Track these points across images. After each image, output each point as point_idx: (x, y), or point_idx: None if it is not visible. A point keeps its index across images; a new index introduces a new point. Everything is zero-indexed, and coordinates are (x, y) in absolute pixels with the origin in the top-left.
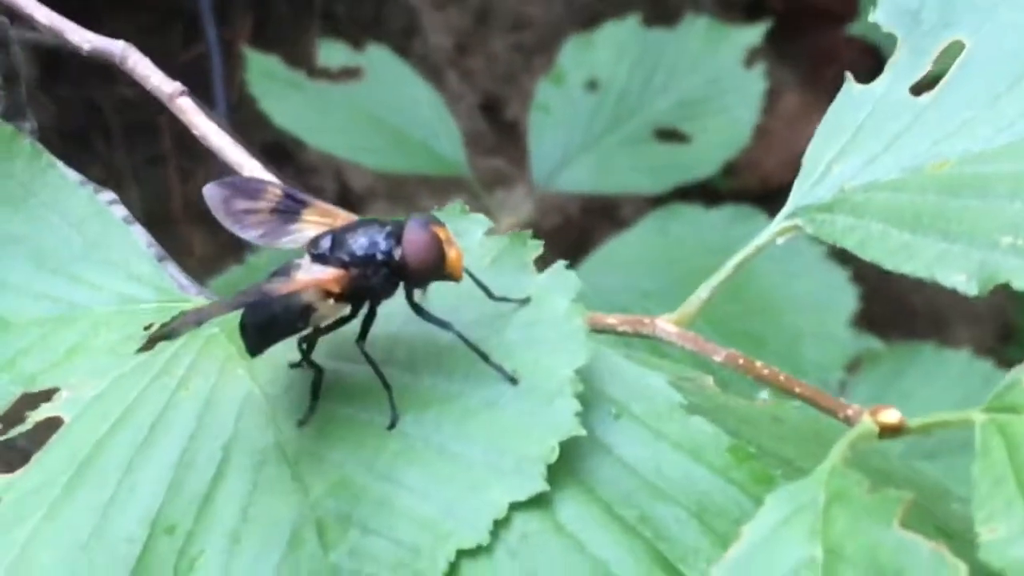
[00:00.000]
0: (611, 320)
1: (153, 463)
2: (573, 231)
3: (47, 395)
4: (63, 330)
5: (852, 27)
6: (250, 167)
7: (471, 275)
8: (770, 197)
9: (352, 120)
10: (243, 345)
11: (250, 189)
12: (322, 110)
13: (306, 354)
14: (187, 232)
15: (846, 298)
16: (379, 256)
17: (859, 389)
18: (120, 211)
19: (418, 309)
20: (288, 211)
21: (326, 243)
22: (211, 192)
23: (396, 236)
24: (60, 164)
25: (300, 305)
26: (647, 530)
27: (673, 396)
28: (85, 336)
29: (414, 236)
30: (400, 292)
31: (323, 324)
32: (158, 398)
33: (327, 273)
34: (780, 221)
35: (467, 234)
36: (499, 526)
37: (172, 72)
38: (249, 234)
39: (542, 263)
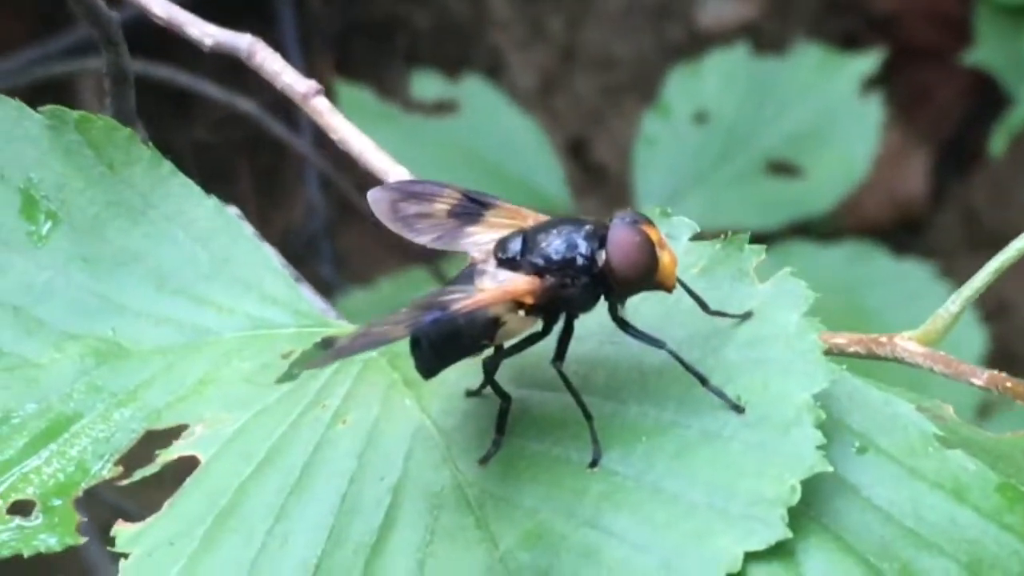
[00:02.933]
0: (839, 340)
1: (308, 509)
2: None
3: (176, 433)
4: (190, 359)
5: (966, 56)
6: (396, 173)
7: (683, 285)
8: (881, 237)
9: (446, 154)
10: (411, 368)
11: (422, 192)
12: (415, 143)
13: (493, 379)
14: None
15: (973, 337)
16: (580, 261)
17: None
18: (248, 229)
19: (624, 324)
20: (468, 213)
21: (516, 245)
22: (377, 196)
23: (600, 237)
24: (184, 176)
25: (486, 319)
26: None
27: (927, 427)
28: (215, 365)
29: (622, 237)
30: (598, 306)
31: (510, 342)
32: (310, 433)
33: (519, 281)
34: None
35: (670, 239)
36: None
37: (261, 108)
38: (421, 239)
39: None
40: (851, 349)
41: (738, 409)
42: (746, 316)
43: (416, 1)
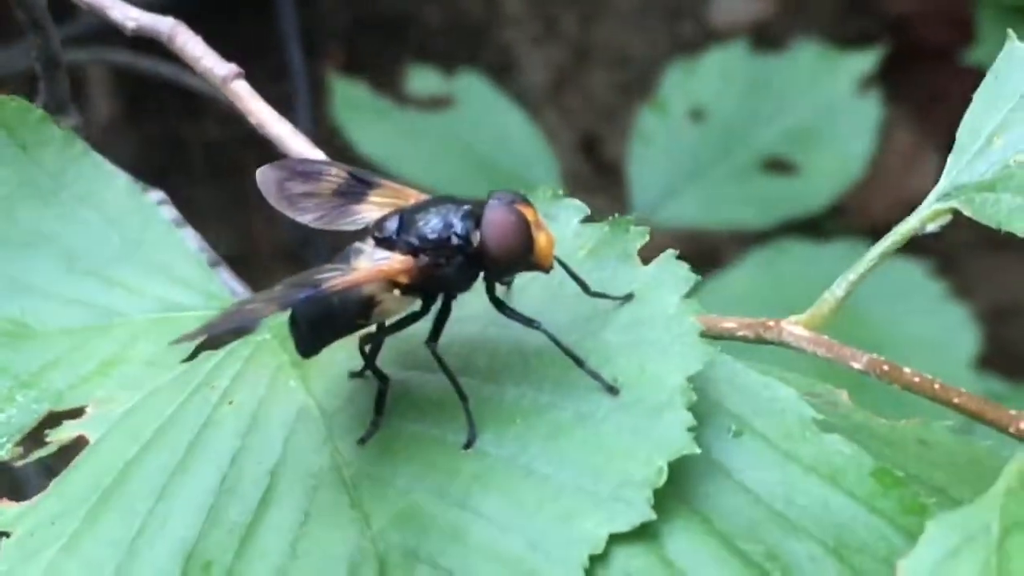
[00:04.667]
0: (728, 324)
1: (188, 489)
2: None
3: (76, 414)
4: (96, 340)
5: (968, 55)
6: (315, 157)
7: (564, 266)
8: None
9: (441, 149)
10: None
11: (309, 171)
12: (410, 139)
13: (369, 359)
14: (273, 274)
15: (966, 338)
16: (454, 240)
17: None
18: (170, 212)
19: (500, 305)
20: (352, 192)
21: (392, 225)
22: (265, 175)
23: (476, 217)
24: (98, 156)
25: (361, 298)
26: (776, 569)
27: (805, 411)
28: (122, 347)
29: (496, 217)
30: (479, 286)
31: (388, 321)
32: (197, 414)
33: (393, 260)
34: (932, 203)
35: (559, 221)
36: (595, 563)
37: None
38: (305, 218)
39: None
40: (740, 333)
41: (612, 391)
42: (627, 298)
43: None
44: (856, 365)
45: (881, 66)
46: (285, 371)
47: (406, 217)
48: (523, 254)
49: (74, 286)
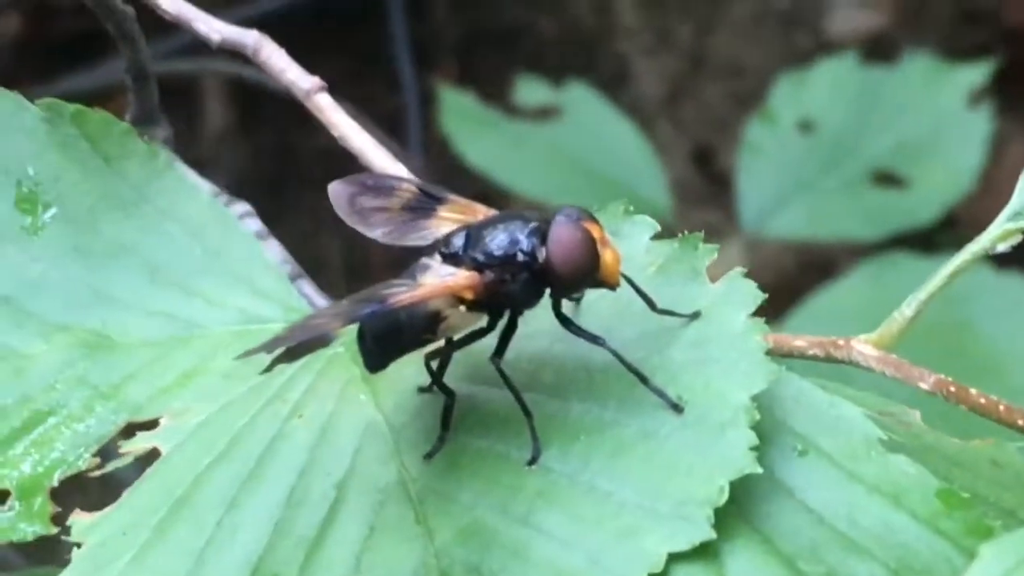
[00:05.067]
0: (799, 342)
1: (257, 501)
2: (789, 287)
3: (153, 425)
4: (177, 352)
5: None
6: (394, 171)
7: (631, 283)
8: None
9: (549, 160)
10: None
11: (380, 186)
12: (517, 149)
13: (436, 375)
14: None
15: None
16: (520, 257)
17: None
18: (254, 225)
19: (565, 321)
20: (422, 208)
21: (459, 240)
22: (337, 190)
23: (542, 234)
24: (181, 169)
25: (427, 313)
26: None
27: (871, 431)
28: (202, 359)
29: (562, 234)
30: (547, 302)
31: (455, 337)
32: (268, 427)
33: (458, 276)
34: (1003, 223)
35: (630, 238)
36: None
37: (375, 118)
38: (375, 232)
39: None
40: (811, 352)
41: (677, 408)
42: (694, 316)
43: (542, 9)
44: (923, 386)
45: (995, 78)
46: (355, 385)
47: (473, 233)
48: (589, 271)
49: (155, 298)
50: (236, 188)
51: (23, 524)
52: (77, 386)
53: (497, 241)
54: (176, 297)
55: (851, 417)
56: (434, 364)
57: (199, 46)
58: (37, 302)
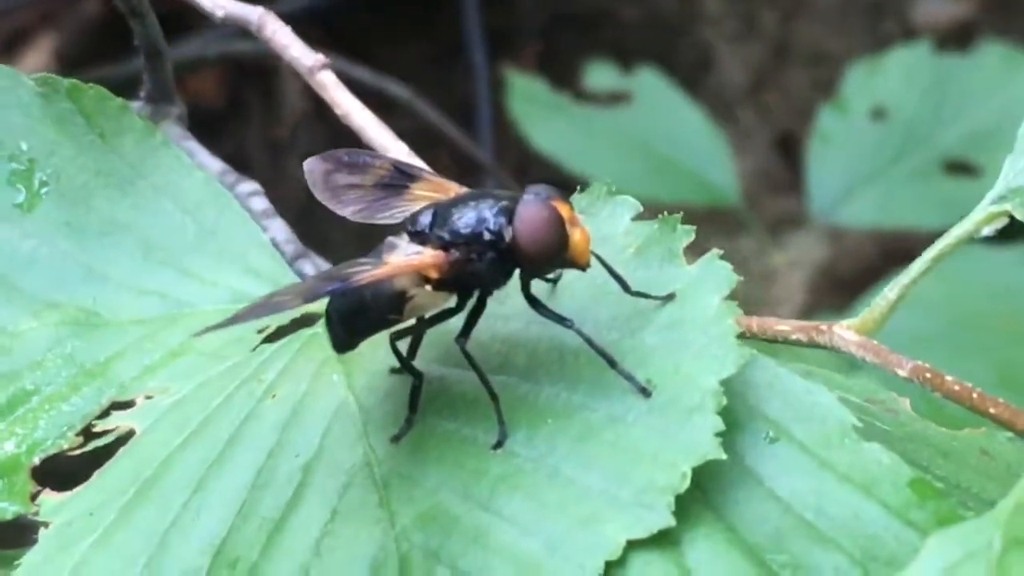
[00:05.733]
0: (783, 327)
1: (224, 483)
2: (871, 275)
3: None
4: (167, 331)
5: None
6: (396, 150)
7: (603, 263)
8: None
9: (617, 146)
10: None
11: (355, 163)
12: (585, 134)
13: (402, 357)
14: None
15: None
16: (487, 235)
17: None
18: (261, 203)
19: (534, 302)
20: (395, 185)
21: (426, 219)
22: (312, 166)
23: (510, 213)
24: (196, 145)
25: (392, 292)
26: None
27: (845, 418)
28: (190, 338)
29: (529, 213)
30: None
31: (422, 316)
32: (241, 407)
33: (424, 255)
34: (987, 206)
35: (613, 219)
36: (613, 568)
37: (451, 106)
38: (346, 210)
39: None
40: (794, 336)
41: (645, 392)
42: (668, 298)
43: None
44: (901, 372)
45: None
46: (330, 365)
47: (440, 211)
48: (557, 251)
49: (148, 276)
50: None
51: (3, 503)
52: (64, 364)
53: (464, 220)
54: (168, 275)
55: (826, 404)
56: (401, 345)
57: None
58: (28, 279)
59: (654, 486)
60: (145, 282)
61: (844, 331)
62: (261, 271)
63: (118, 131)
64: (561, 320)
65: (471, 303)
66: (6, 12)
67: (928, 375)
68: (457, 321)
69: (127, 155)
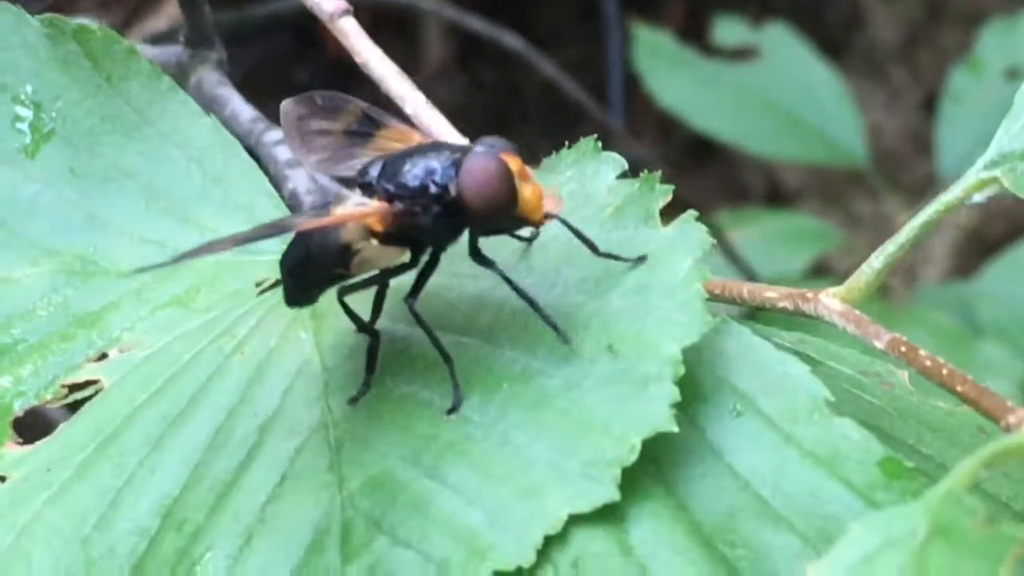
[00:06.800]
0: (770, 293)
1: (181, 442)
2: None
3: None
4: (163, 282)
5: None
6: (413, 100)
7: (566, 223)
8: None
9: (743, 102)
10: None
11: (330, 107)
12: (710, 89)
13: (352, 312)
14: None
15: None
16: (432, 188)
17: None
18: (285, 153)
19: (480, 259)
20: (361, 133)
21: (375, 171)
22: (287, 108)
23: (458, 166)
24: (232, 92)
25: (338, 245)
26: (742, 560)
27: (816, 391)
28: (186, 290)
29: (474, 165)
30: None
31: (370, 270)
32: (209, 363)
33: (366, 206)
34: (978, 171)
35: (597, 176)
36: (550, 544)
37: (587, 65)
38: (310, 159)
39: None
40: (781, 304)
41: (565, 340)
42: (639, 260)
43: None
44: (878, 344)
45: None
46: (301, 322)
47: (389, 163)
48: (504, 206)
49: (149, 225)
50: (452, 122)
51: None
52: (58, 312)
53: (411, 172)
54: (170, 225)
55: (796, 375)
56: (352, 303)
57: None
58: (28, 224)
59: (602, 458)
60: (146, 231)
61: (830, 299)
62: (266, 221)
63: (125, 75)
64: (487, 263)
65: (424, 259)
66: None
67: (903, 348)
68: (436, 280)
69: (134, 100)
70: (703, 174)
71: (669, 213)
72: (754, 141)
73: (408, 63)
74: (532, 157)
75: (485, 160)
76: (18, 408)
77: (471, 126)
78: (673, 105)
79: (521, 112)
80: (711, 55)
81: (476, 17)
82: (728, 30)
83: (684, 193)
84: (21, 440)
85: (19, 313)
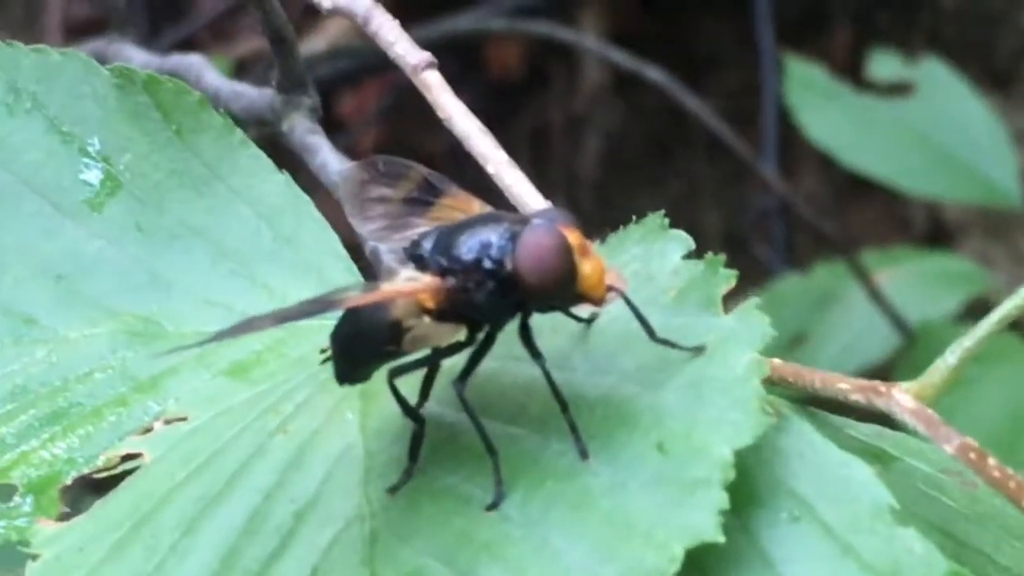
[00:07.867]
0: (843, 385)
1: (216, 526)
2: None
3: None
4: (225, 347)
5: None
6: (496, 160)
7: (629, 304)
8: None
9: (895, 138)
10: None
11: (392, 173)
12: (861, 125)
13: (400, 395)
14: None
15: None
16: (486, 263)
17: None
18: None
19: (525, 335)
20: (421, 200)
21: (428, 243)
22: (350, 174)
23: (515, 239)
24: (256, 148)
25: (388, 321)
26: None
27: (881, 497)
28: (248, 356)
29: (532, 239)
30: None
31: (424, 348)
32: (252, 441)
33: (417, 282)
34: None
35: (663, 256)
36: None
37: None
38: (367, 228)
39: None
40: (853, 397)
41: (583, 455)
42: (698, 350)
43: None
44: (948, 448)
45: None
46: (349, 402)
47: (443, 235)
48: (562, 282)
49: (216, 286)
50: (612, 146)
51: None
52: (115, 376)
53: (465, 245)
54: (238, 286)
55: (861, 480)
56: (401, 383)
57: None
58: (90, 282)
59: (640, 567)
60: (212, 292)
61: (902, 395)
62: (335, 285)
63: (196, 128)
64: (534, 352)
65: (480, 339)
66: None
67: (972, 456)
68: (487, 363)
69: (204, 154)
70: (864, 208)
71: (821, 251)
72: (907, 178)
73: (565, 88)
74: (693, 186)
75: (542, 233)
76: (69, 478)
77: (630, 151)
78: (821, 139)
79: (683, 136)
80: (866, 89)
81: (621, 49)
82: (883, 64)
83: (840, 228)
84: (69, 511)
85: (75, 376)
